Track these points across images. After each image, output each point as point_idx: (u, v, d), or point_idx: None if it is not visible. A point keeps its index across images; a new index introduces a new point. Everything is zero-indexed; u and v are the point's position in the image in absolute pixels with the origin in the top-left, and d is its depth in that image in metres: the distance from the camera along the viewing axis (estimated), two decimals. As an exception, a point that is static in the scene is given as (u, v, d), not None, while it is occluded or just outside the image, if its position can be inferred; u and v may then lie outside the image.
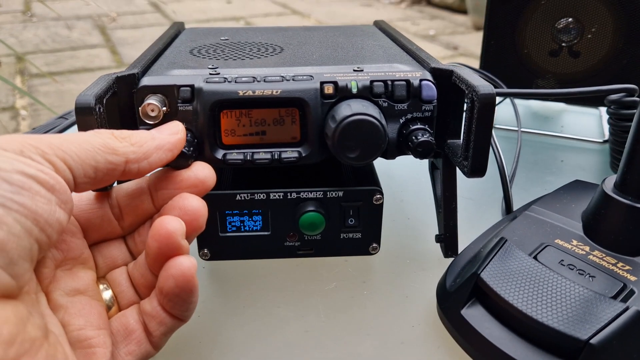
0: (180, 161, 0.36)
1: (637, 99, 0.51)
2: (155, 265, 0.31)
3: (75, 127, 0.57)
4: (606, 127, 0.68)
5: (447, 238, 0.45)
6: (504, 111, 0.73)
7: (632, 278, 0.36)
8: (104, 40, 3.20)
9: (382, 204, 0.42)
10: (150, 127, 0.38)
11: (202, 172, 0.35)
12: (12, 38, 3.15)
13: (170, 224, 0.30)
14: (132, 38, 3.22)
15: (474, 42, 3.15)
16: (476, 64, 0.69)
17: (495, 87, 0.65)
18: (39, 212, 0.25)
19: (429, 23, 3.67)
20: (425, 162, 0.53)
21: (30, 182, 0.25)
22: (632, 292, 0.34)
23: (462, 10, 3.82)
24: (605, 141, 0.67)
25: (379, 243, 0.44)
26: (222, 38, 0.52)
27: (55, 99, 2.33)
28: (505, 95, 0.61)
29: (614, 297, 0.34)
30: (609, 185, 0.39)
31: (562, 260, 0.38)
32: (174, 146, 0.33)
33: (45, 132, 0.65)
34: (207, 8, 4.08)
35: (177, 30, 0.58)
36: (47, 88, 2.44)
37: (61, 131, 0.61)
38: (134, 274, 0.33)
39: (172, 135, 0.34)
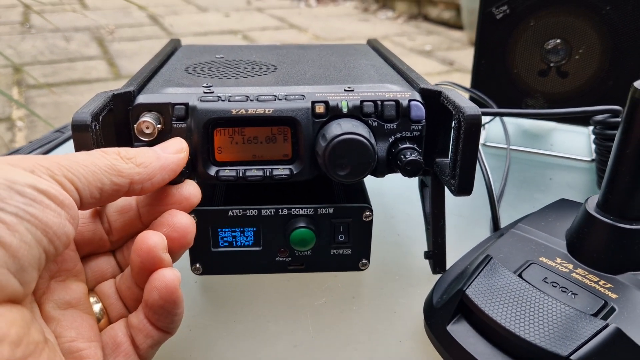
0: (175, 178, 0.37)
1: (621, 119, 0.52)
2: (140, 278, 0.32)
3: (72, 142, 0.58)
4: (593, 145, 0.69)
5: (436, 255, 0.46)
6: (494, 129, 0.74)
7: (613, 296, 0.37)
8: (102, 52, 3.22)
9: (371, 220, 0.43)
10: (145, 144, 0.39)
11: (187, 189, 0.36)
12: (10, 49, 3.17)
13: (151, 239, 0.31)
14: (130, 50, 3.24)
15: (470, 57, 3.17)
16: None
17: (485, 106, 0.66)
18: (49, 224, 0.26)
19: (425, 38, 3.70)
20: (415, 180, 0.54)
21: (41, 196, 0.26)
22: (612, 310, 0.35)
23: (458, 26, 3.86)
24: (592, 160, 0.68)
25: (368, 259, 0.45)
26: (217, 56, 0.54)
27: (52, 110, 2.34)
28: (493, 114, 0.63)
29: (595, 315, 0.35)
30: (591, 205, 0.40)
31: (546, 277, 0.38)
32: (178, 166, 0.34)
33: (42, 146, 0.66)
34: (205, 21, 4.11)
35: (173, 47, 0.59)
36: (44, 99, 2.45)
37: (57, 146, 0.61)
38: (121, 287, 0.34)
39: (176, 154, 0.35)
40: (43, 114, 2.30)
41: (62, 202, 0.27)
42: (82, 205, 0.29)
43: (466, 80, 0.68)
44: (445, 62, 3.13)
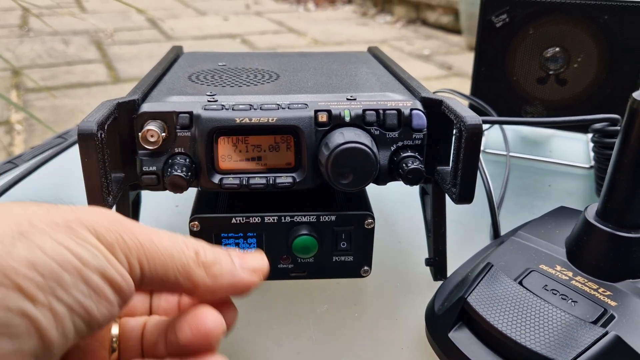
0: (178, 187, 0.38)
1: (619, 128, 0.53)
2: (179, 350, 0.29)
3: (75, 147, 0.59)
4: (592, 153, 0.69)
5: (437, 262, 0.46)
6: (493, 136, 0.75)
7: (613, 303, 0.37)
8: (101, 56, 3.22)
9: (373, 228, 0.44)
10: (149, 151, 0.39)
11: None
12: (9, 52, 3.17)
13: (209, 321, 0.28)
14: (129, 54, 3.24)
15: (468, 62, 3.19)
16: (469, 84, 0.71)
17: (485, 113, 0.67)
18: (97, 317, 0.24)
19: (423, 43, 3.72)
20: (416, 187, 0.54)
21: (104, 286, 0.23)
22: (612, 317, 0.36)
23: (457, 31, 3.87)
24: (591, 167, 0.68)
25: (370, 266, 0.45)
26: (219, 63, 0.54)
27: (51, 114, 2.34)
28: (493, 122, 0.63)
29: (595, 322, 0.35)
30: (591, 213, 0.41)
31: (546, 285, 0.39)
32: (248, 289, 0.30)
33: (44, 152, 0.66)
34: (204, 25, 4.12)
35: (176, 55, 0.60)
36: (43, 103, 2.45)
37: (60, 152, 0.62)
38: (149, 337, 0.31)
39: (252, 275, 0.30)
40: (42, 117, 2.30)
41: (122, 291, 0.24)
42: (136, 287, 0.26)
43: (465, 84, 0.69)
44: (443, 66, 3.14)
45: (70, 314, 0.22)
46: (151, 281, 0.26)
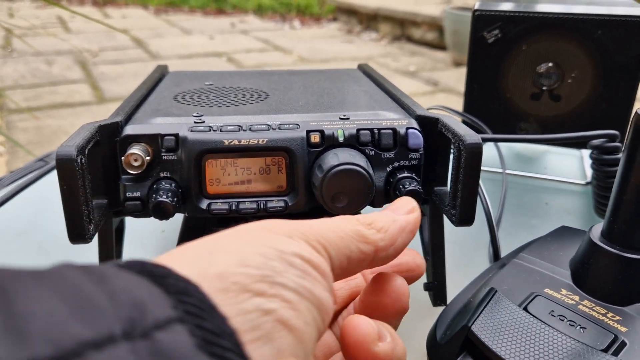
0: (164, 213, 0.36)
1: (619, 144, 0.52)
2: None
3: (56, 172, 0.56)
4: (587, 169, 0.68)
5: (436, 286, 0.44)
6: (488, 153, 0.73)
7: (623, 329, 0.35)
8: (85, 76, 3.19)
9: (369, 252, 0.42)
10: (133, 176, 0.37)
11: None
12: (-8, 73, 3.13)
13: (359, 327, 0.26)
14: (114, 73, 3.22)
15: (454, 78, 3.21)
16: (456, 99, 0.71)
17: (479, 131, 0.66)
18: (321, 299, 0.22)
19: (409, 59, 3.74)
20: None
21: (308, 267, 0.23)
22: (623, 344, 0.34)
23: (442, 47, 3.91)
24: (587, 183, 0.67)
25: (366, 292, 0.43)
26: (206, 83, 0.52)
27: (34, 135, 2.31)
28: (489, 140, 0.62)
29: (606, 350, 0.34)
30: (596, 234, 0.39)
31: (553, 310, 0.37)
32: (414, 226, 0.30)
33: (24, 176, 0.64)
34: (189, 44, 4.11)
35: (160, 74, 0.58)
36: (26, 124, 2.42)
37: (41, 176, 0.59)
38: None
39: (410, 214, 0.30)
40: (25, 138, 2.26)
41: (324, 272, 0.23)
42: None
43: (451, 100, 0.68)
44: (429, 82, 3.15)
45: (299, 297, 0.21)
46: (340, 262, 0.25)
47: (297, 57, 3.76)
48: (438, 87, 3.06)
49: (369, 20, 4.75)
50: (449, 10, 3.51)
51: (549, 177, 0.69)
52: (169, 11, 5.80)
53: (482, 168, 0.70)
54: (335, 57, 3.71)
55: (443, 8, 3.82)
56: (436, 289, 0.44)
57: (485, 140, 0.61)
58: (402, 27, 4.36)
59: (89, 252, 0.46)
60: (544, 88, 0.65)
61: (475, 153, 0.36)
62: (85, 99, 2.79)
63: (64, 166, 0.33)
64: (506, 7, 0.63)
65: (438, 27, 3.95)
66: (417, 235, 0.47)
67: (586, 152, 0.66)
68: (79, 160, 0.33)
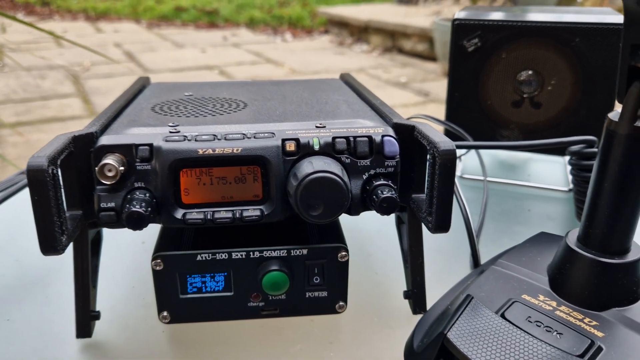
0: (136, 223, 0.35)
1: (597, 150, 0.52)
2: None
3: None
4: (570, 176, 0.68)
5: (415, 294, 0.44)
6: (471, 161, 0.73)
7: (599, 334, 0.35)
8: (76, 90, 3.19)
9: (347, 261, 0.41)
10: (107, 187, 0.37)
11: None
12: (-18, 88, 3.13)
13: None
14: (105, 87, 3.22)
15: (445, 88, 3.22)
16: (446, 110, 0.70)
17: (460, 138, 0.66)
18: None
19: (400, 70, 3.76)
20: (392, 217, 0.52)
21: None
22: (599, 350, 0.34)
23: (432, 58, 3.93)
24: (570, 190, 0.67)
25: (345, 301, 0.43)
26: (186, 94, 0.52)
27: (24, 149, 2.30)
28: (469, 147, 0.62)
29: (582, 356, 0.34)
30: (572, 239, 0.39)
31: (530, 316, 0.37)
32: None
33: (6, 189, 0.64)
34: (181, 57, 4.12)
35: (141, 86, 0.58)
36: (16, 139, 2.41)
37: (21, 189, 0.59)
38: None
39: None
40: (15, 153, 2.26)
41: None
42: None
43: (442, 110, 0.68)
44: (420, 93, 3.17)
45: None
46: None
47: (288, 69, 3.77)
48: (429, 98, 3.07)
49: (360, 32, 4.77)
50: (439, 22, 3.53)
51: (532, 185, 0.69)
52: (161, 25, 5.82)
53: (465, 176, 0.70)
54: (326, 69, 3.72)
55: (433, 20, 3.85)
56: (415, 297, 0.44)
57: (463, 147, 0.61)
58: (393, 39, 4.39)
59: (68, 266, 0.46)
60: (525, 95, 0.65)
61: (449, 159, 0.36)
62: (76, 113, 2.78)
63: (34, 177, 0.33)
64: (485, 16, 0.64)
65: (428, 39, 3.97)
66: (395, 242, 0.47)
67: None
68: (50, 171, 0.33)
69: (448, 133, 0.68)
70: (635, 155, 0.35)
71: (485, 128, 0.67)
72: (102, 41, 4.68)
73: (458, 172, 0.72)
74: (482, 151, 0.72)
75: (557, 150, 0.66)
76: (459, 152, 0.73)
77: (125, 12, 6.44)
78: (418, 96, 3.10)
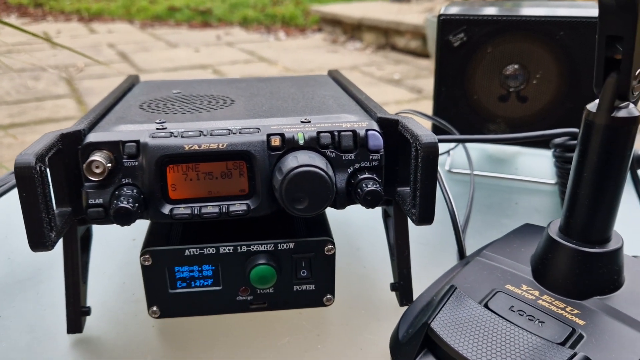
0: (124, 219, 0.36)
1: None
2: None
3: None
4: (555, 168, 0.69)
5: (402, 286, 0.45)
6: (459, 155, 0.74)
7: (581, 322, 0.36)
8: (70, 91, 3.19)
9: (334, 254, 0.42)
10: (95, 183, 0.38)
11: None
12: (-25, 90, 3.12)
13: None
14: (99, 87, 3.21)
15: (438, 85, 3.22)
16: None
17: (448, 133, 0.66)
18: None
19: (393, 67, 3.76)
20: (379, 210, 0.53)
21: None
22: (580, 337, 0.35)
23: (425, 55, 3.93)
24: (557, 182, 0.68)
25: (333, 294, 0.43)
26: (174, 91, 0.53)
27: (18, 150, 2.30)
28: (453, 141, 0.63)
29: (563, 343, 0.34)
30: (554, 229, 0.40)
31: (513, 306, 0.38)
32: None
33: (-4, 189, 0.64)
34: (175, 57, 4.11)
35: (130, 84, 0.58)
36: (10, 140, 2.40)
37: (10, 189, 0.59)
38: None
39: None
40: (9, 154, 2.25)
41: None
42: None
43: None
44: (414, 90, 3.17)
45: None
46: None
47: (282, 67, 3.77)
48: (422, 94, 3.08)
49: (353, 30, 4.77)
50: (431, 19, 3.53)
51: (520, 178, 0.70)
52: (154, 25, 5.80)
53: (453, 170, 0.71)
54: (320, 67, 3.73)
55: (425, 17, 3.85)
56: (402, 289, 0.45)
57: (448, 141, 0.62)
58: (386, 36, 4.39)
59: (59, 263, 0.46)
60: (511, 89, 0.65)
61: (431, 152, 0.37)
62: (71, 114, 2.78)
63: (22, 174, 0.33)
64: (470, 11, 0.64)
65: (421, 36, 3.98)
66: (384, 236, 0.48)
67: (556, 152, 0.67)
68: (37, 168, 0.34)
69: (435, 127, 0.68)
70: (613, 145, 0.35)
71: (472, 122, 0.68)
72: (95, 42, 4.67)
73: (446, 167, 0.72)
74: (471, 146, 0.73)
75: (545, 143, 0.67)
76: (447, 146, 0.74)
77: (119, 13, 6.43)
78: (411, 93, 3.11)
